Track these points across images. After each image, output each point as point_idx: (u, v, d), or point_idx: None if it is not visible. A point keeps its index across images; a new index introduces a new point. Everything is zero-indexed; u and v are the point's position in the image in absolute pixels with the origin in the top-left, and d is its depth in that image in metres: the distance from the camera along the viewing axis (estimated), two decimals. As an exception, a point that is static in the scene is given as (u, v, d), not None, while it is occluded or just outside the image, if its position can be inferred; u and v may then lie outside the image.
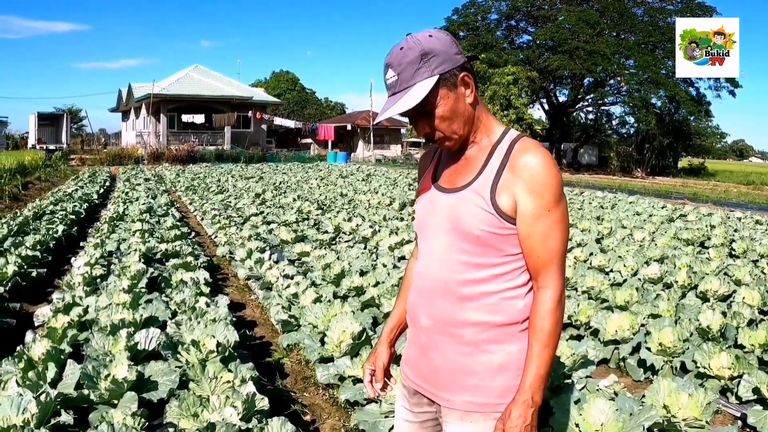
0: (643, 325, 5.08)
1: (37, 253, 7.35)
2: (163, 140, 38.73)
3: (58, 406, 3.27)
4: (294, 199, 14.97)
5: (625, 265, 7.27)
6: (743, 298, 5.81)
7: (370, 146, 46.09)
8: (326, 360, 4.52)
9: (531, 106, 42.52)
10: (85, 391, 3.49)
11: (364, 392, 3.80)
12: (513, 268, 1.74)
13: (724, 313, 5.22)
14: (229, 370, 3.65)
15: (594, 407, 3.29)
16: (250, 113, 42.77)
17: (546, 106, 46.80)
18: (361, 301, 5.64)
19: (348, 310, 4.99)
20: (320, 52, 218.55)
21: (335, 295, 5.93)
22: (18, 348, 3.99)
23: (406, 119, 1.81)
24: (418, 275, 1.89)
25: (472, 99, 1.74)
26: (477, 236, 1.70)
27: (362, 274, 6.46)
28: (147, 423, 3.24)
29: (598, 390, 3.85)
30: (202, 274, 6.20)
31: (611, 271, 7.37)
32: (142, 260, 6.76)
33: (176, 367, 3.88)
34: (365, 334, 4.55)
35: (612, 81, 42.37)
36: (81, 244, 9.06)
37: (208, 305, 5.11)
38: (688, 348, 4.65)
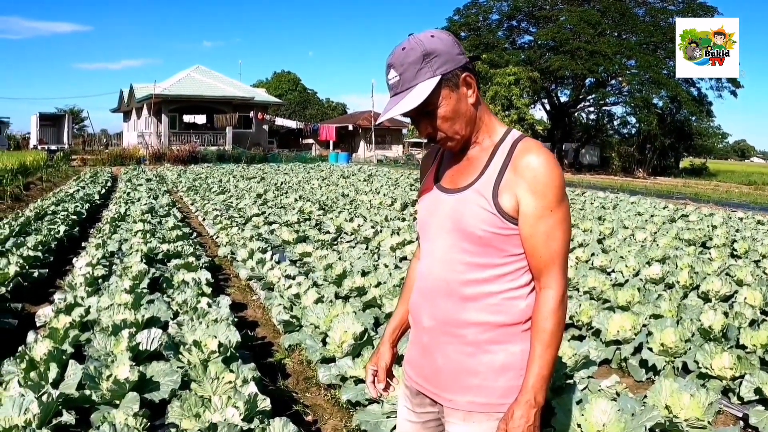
0: (644, 326, 5.08)
1: (39, 254, 7.36)
2: (165, 141, 38.77)
3: (60, 407, 3.28)
4: (296, 200, 14.98)
5: (626, 266, 7.26)
6: (745, 298, 5.80)
7: (372, 147, 46.09)
8: (328, 360, 4.52)
9: (532, 106, 42.49)
10: (87, 392, 3.49)
11: (366, 393, 3.80)
12: (515, 268, 1.74)
13: (725, 314, 5.22)
14: (231, 371, 3.65)
15: (596, 407, 3.28)
16: (251, 114, 42.79)
17: (547, 107, 46.78)
18: (363, 301, 5.64)
19: (350, 311, 4.99)
20: (322, 52, 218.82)
21: (337, 296, 5.93)
22: (20, 348, 3.99)
23: (407, 119, 1.81)
24: (420, 275, 1.89)
25: (474, 99, 1.74)
26: (479, 236, 1.70)
27: (364, 274, 6.45)
28: (149, 423, 3.25)
29: (599, 390, 3.85)
30: (204, 275, 6.20)
31: (613, 271, 7.37)
32: (144, 261, 6.76)
33: (178, 367, 3.88)
34: (367, 334, 4.55)
35: (613, 81, 42.34)
36: (83, 244, 9.08)
37: (209, 306, 5.11)
38: (689, 348, 4.64)
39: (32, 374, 3.59)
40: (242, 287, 7.21)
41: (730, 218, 13.61)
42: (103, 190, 17.13)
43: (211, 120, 41.63)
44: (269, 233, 9.86)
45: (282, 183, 20.86)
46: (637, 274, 7.06)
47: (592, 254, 8.19)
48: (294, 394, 4.31)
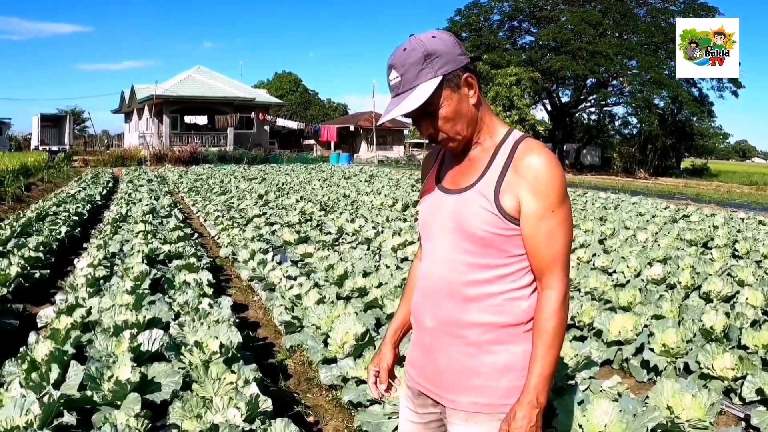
0: (646, 326, 5.07)
1: (40, 255, 7.36)
2: (166, 141, 38.79)
3: (61, 408, 3.28)
4: (297, 200, 14.99)
5: (628, 266, 7.26)
6: (746, 298, 5.80)
7: (373, 147, 46.10)
8: (329, 361, 4.52)
9: (534, 106, 42.53)
10: (89, 393, 3.49)
11: (368, 393, 3.80)
12: (517, 268, 1.73)
13: (727, 314, 5.21)
14: (233, 372, 3.65)
15: (597, 408, 3.28)
16: (252, 114, 42.78)
17: (549, 107, 46.79)
18: (364, 302, 5.64)
19: (351, 311, 4.99)
20: (323, 53, 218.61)
21: (338, 297, 5.93)
22: (21, 349, 3.99)
23: (409, 120, 1.82)
24: (422, 276, 1.89)
25: (476, 100, 1.74)
26: (481, 237, 1.70)
27: (365, 275, 6.45)
28: (150, 424, 3.25)
29: (601, 391, 3.85)
30: (205, 276, 6.20)
31: (614, 271, 7.37)
32: (145, 261, 6.76)
33: (179, 368, 3.88)
34: (368, 335, 4.55)
35: (615, 82, 42.33)
36: (84, 245, 9.08)
37: (211, 306, 5.11)
38: (691, 349, 4.64)
39: (33, 375, 3.59)
40: (243, 288, 7.21)
41: (732, 219, 13.60)
42: (105, 191, 17.14)
43: (212, 121, 41.64)
44: (270, 234, 9.86)
45: (283, 184, 20.87)
46: (638, 275, 7.06)
47: (594, 255, 8.19)
48: (295, 395, 4.31)
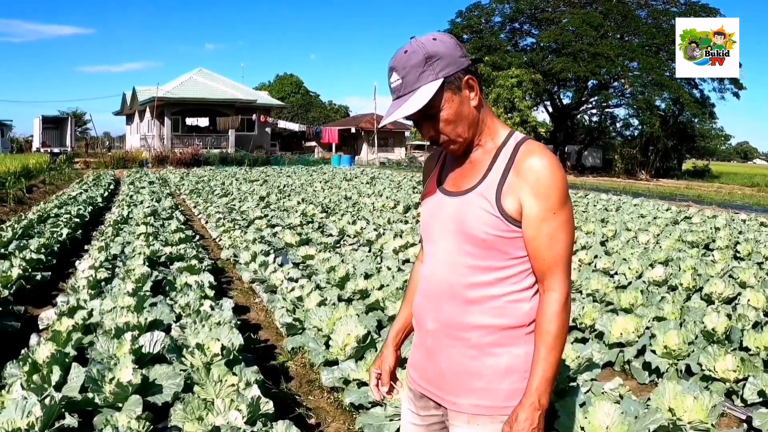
0: (648, 328, 5.07)
1: (42, 257, 7.36)
2: (167, 143, 38.82)
3: (63, 410, 3.28)
4: (298, 202, 15.00)
5: (629, 268, 7.25)
6: (748, 300, 5.79)
7: (374, 149, 46.12)
8: (331, 363, 4.52)
9: (535, 108, 42.53)
10: (90, 395, 3.49)
11: (369, 395, 3.80)
12: (518, 271, 1.73)
13: (729, 316, 5.20)
14: (234, 374, 3.65)
15: (599, 410, 3.28)
16: (254, 116, 42.83)
17: (550, 109, 46.79)
18: (366, 304, 5.64)
19: (353, 314, 4.99)
20: (324, 55, 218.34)
21: (340, 299, 5.93)
22: (23, 351, 4.00)
23: (410, 122, 1.81)
24: (423, 278, 1.89)
25: (477, 102, 1.74)
26: (482, 239, 1.70)
27: (367, 277, 6.45)
28: (151, 426, 3.24)
29: (603, 393, 3.84)
30: (207, 278, 6.20)
31: (616, 273, 7.35)
32: (147, 263, 6.77)
33: (181, 370, 3.88)
34: (370, 337, 4.55)
35: (616, 83, 42.34)
36: (85, 247, 9.09)
37: (212, 308, 5.11)
38: (693, 350, 4.64)
39: (35, 377, 3.59)
40: (245, 290, 7.22)
41: (733, 220, 13.59)
42: (106, 193, 17.16)
43: (213, 123, 41.69)
44: (272, 236, 9.86)
45: (285, 186, 20.88)
46: (640, 277, 7.05)
47: (595, 256, 8.18)
48: (297, 397, 4.31)
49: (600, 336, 5.18)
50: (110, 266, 6.89)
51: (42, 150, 36.59)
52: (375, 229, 10.12)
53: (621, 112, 45.99)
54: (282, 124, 48.04)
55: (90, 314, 4.87)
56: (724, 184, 35.56)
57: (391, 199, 16.00)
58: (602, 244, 9.59)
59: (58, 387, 3.59)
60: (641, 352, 4.86)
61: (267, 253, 7.84)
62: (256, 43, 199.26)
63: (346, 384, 4.19)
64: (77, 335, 4.42)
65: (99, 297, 5.43)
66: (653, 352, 4.67)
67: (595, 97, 44.43)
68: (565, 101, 46.53)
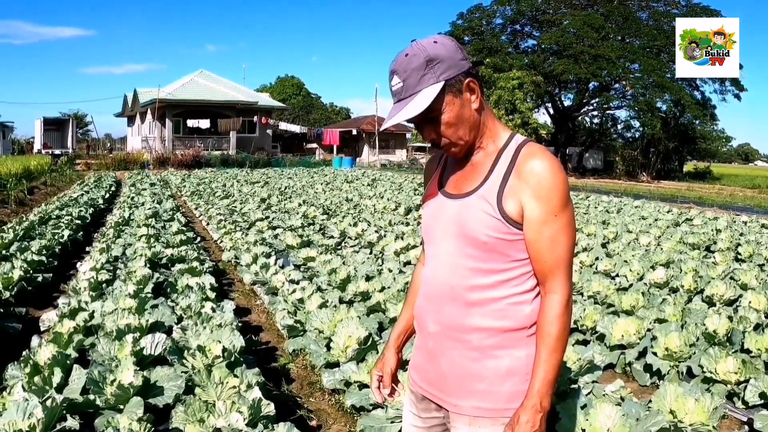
0: (649, 330, 5.06)
1: (43, 258, 7.36)
2: (169, 145, 38.85)
3: (64, 411, 3.28)
4: (299, 204, 15.00)
5: (630, 270, 7.25)
6: (749, 302, 5.79)
7: (376, 151, 46.13)
8: (332, 365, 4.52)
9: (536, 110, 42.57)
10: (91, 396, 3.49)
11: (370, 397, 3.80)
12: (520, 273, 1.73)
13: (730, 318, 5.20)
14: (235, 376, 3.65)
15: (600, 412, 3.28)
16: (255, 118, 42.87)
17: (551, 111, 46.81)
18: (367, 306, 5.64)
19: (354, 315, 4.99)
20: (325, 57, 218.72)
21: (341, 300, 5.93)
22: (24, 353, 4.00)
23: (411, 124, 1.81)
24: (425, 280, 1.89)
25: (478, 104, 1.74)
26: (484, 242, 1.70)
27: (368, 279, 6.45)
28: (153, 428, 3.24)
29: (604, 395, 3.84)
30: (208, 279, 6.20)
31: (617, 275, 7.35)
32: (148, 265, 6.77)
33: (182, 372, 3.88)
34: (371, 339, 4.55)
35: (617, 85, 42.39)
36: (87, 248, 9.09)
37: (213, 310, 5.11)
38: (694, 352, 4.63)
39: (36, 379, 3.59)
40: (246, 292, 7.22)
41: (735, 222, 13.59)
42: (107, 195, 17.18)
43: (214, 124, 41.71)
44: (273, 238, 9.86)
45: (286, 187, 20.88)
46: (641, 279, 7.05)
47: (597, 258, 8.18)
48: (298, 399, 4.31)
49: (601, 338, 5.17)
50: (111, 268, 6.89)
51: (43, 152, 36.60)
52: (376, 231, 10.13)
53: (622, 113, 46.09)
54: (283, 125, 48.04)
55: (91, 316, 4.87)
56: (725, 186, 35.58)
57: (393, 201, 16.01)
58: (603, 246, 9.58)
59: (60, 389, 3.59)
60: (642, 354, 4.86)
61: (268, 255, 7.85)
62: (257, 44, 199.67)
63: (348, 386, 4.19)
64: (78, 337, 4.42)
65: (100, 299, 5.44)
66: (654, 354, 4.67)
67: (596, 99, 44.45)
68: (567, 103, 46.61)
